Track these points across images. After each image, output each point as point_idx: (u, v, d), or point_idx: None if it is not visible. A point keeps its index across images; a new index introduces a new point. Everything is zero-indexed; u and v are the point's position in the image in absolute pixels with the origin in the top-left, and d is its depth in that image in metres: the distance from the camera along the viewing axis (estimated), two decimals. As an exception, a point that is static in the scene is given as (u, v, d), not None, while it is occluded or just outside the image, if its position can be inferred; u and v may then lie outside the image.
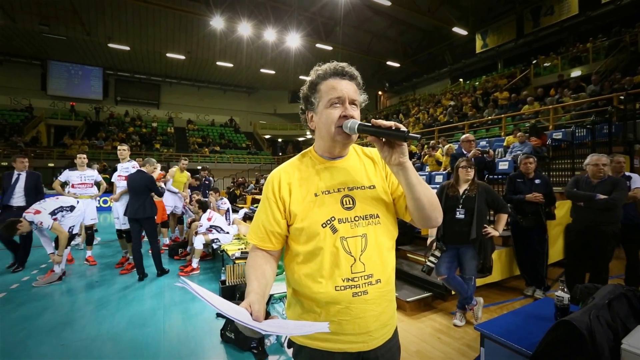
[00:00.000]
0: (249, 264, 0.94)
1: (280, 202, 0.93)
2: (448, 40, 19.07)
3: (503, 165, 6.05)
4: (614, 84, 7.80)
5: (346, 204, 0.92)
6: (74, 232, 4.22)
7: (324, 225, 0.89)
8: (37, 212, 3.82)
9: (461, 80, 19.76)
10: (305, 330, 0.72)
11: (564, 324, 1.07)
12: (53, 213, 3.96)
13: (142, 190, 4.11)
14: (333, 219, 0.89)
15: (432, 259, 2.84)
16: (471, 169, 2.87)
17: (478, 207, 2.75)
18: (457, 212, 2.80)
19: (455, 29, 16.58)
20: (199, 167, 8.75)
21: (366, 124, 0.84)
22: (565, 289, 1.47)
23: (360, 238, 0.90)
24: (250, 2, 16.02)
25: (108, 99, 22.68)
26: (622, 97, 6.29)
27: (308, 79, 0.98)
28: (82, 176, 4.80)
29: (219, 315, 3.00)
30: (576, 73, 11.59)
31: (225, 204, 5.35)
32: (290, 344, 1.01)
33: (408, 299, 3.15)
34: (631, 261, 3.45)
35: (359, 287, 0.88)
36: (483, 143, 7.82)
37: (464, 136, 4.42)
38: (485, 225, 2.79)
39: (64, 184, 4.86)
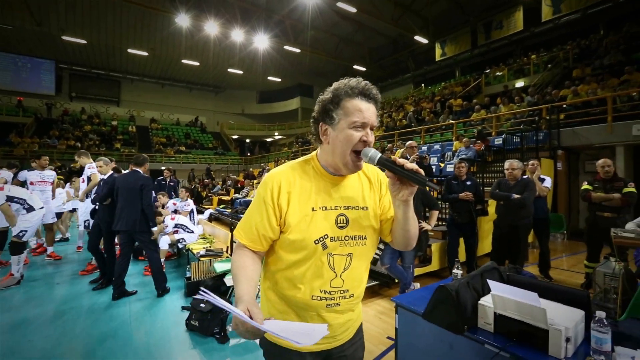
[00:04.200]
0: (237, 264, 0.92)
1: (278, 209, 0.92)
2: (411, 47, 20.12)
3: (450, 168, 6.74)
4: (546, 96, 8.86)
5: (340, 223, 0.94)
6: (23, 238, 3.92)
7: (316, 241, 0.90)
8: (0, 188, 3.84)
9: (423, 85, 20.95)
10: (307, 332, 0.73)
11: (440, 288, 1.49)
12: (11, 199, 3.89)
13: (137, 196, 3.59)
14: (326, 236, 0.91)
15: (377, 251, 3.27)
16: None
17: (415, 205, 3.20)
18: (398, 210, 3.25)
19: (417, 37, 17.58)
20: (163, 168, 8.66)
21: (388, 159, 0.86)
22: (459, 267, 1.92)
23: (346, 257, 0.93)
24: (217, 1, 15.90)
25: (62, 94, 21.28)
26: (548, 108, 7.24)
27: (331, 88, 0.93)
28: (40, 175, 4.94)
29: (184, 308, 3.22)
30: (520, 84, 12.85)
31: (189, 205, 5.49)
32: (262, 344, 1.04)
33: (358, 287, 3.55)
34: (542, 249, 4.13)
35: (333, 299, 0.93)
36: (424, 149, 8.57)
37: (408, 143, 4.95)
38: (420, 220, 3.26)
39: (23, 183, 4.82)
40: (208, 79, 23.99)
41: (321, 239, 0.91)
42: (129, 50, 17.92)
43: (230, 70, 20.57)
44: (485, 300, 1.48)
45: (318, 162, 0.98)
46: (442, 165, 7.47)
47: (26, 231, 3.96)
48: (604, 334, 1.17)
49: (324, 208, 0.93)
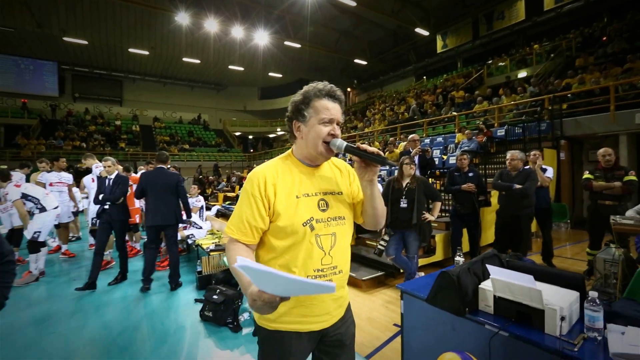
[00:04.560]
0: (234, 257, 0.95)
1: (266, 200, 1.01)
2: (412, 39, 19.94)
3: (453, 160, 6.77)
4: (549, 86, 8.83)
5: (321, 207, 1.06)
6: (39, 239, 4.04)
7: (304, 224, 1.01)
8: (17, 185, 4.01)
9: (424, 78, 20.83)
10: (324, 283, 0.75)
11: (443, 274, 1.57)
12: (25, 197, 4.03)
13: (171, 192, 3.80)
14: (312, 219, 1.02)
15: (382, 242, 3.37)
16: (413, 165, 3.41)
17: (418, 197, 3.29)
18: (402, 202, 3.33)
19: (418, 30, 17.45)
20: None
21: (352, 145, 1.02)
22: (461, 255, 2.00)
23: (331, 236, 1.05)
24: (217, -2, 15.88)
25: (65, 95, 21.44)
26: (550, 98, 7.23)
27: (301, 91, 1.07)
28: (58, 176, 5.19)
29: (197, 300, 3.35)
30: (522, 74, 12.75)
31: (200, 201, 5.61)
32: (256, 332, 1.10)
33: (364, 278, 3.66)
34: (545, 238, 4.19)
35: (326, 276, 1.03)
36: (427, 141, 8.60)
37: (410, 136, 5.01)
38: (423, 212, 3.34)
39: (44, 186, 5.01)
40: (209, 77, 24.01)
41: (308, 222, 1.01)
42: (130, 50, 17.98)
43: (231, 67, 20.58)
44: (486, 285, 1.57)
45: (295, 157, 1.12)
46: (444, 157, 7.52)
47: (40, 231, 4.08)
48: (596, 312, 1.25)
49: (306, 195, 1.05)
